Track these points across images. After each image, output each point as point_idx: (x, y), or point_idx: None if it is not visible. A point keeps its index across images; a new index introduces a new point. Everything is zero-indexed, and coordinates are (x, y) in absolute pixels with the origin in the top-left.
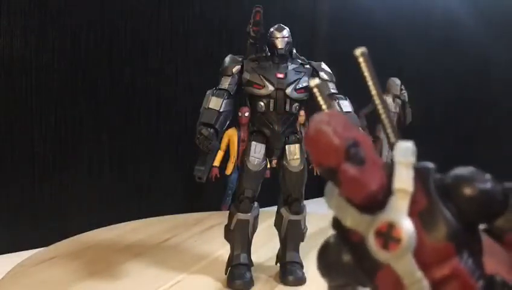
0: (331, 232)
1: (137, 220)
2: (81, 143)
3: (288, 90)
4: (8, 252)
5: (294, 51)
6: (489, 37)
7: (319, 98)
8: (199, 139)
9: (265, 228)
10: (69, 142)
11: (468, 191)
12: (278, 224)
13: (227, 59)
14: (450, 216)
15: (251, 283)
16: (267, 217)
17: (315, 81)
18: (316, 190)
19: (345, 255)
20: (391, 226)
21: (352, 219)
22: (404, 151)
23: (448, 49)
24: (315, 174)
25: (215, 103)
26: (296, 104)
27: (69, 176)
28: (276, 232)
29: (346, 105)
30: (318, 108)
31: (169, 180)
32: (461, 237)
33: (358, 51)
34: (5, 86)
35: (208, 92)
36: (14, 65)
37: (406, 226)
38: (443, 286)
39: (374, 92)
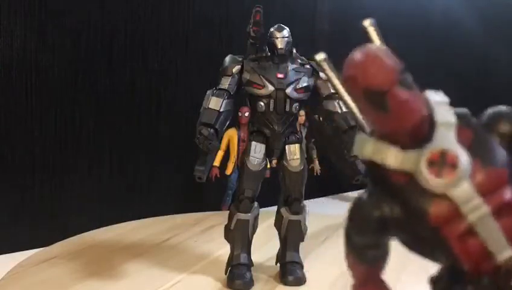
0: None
1: (137, 220)
2: (81, 143)
3: (289, 90)
4: (8, 252)
5: (294, 51)
6: (489, 37)
7: (328, 72)
8: (199, 139)
9: (265, 228)
10: (69, 142)
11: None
12: (278, 224)
13: (227, 59)
14: (499, 145)
15: (251, 283)
16: (267, 217)
17: (321, 55)
18: (316, 190)
19: (386, 206)
20: (444, 153)
21: (396, 158)
22: (434, 93)
23: (448, 49)
24: (315, 174)
25: (215, 103)
26: (296, 104)
27: (69, 176)
28: (276, 232)
29: None
30: (329, 81)
31: (169, 180)
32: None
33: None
34: (5, 86)
35: (208, 92)
36: (14, 65)
37: (460, 151)
38: (498, 217)
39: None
